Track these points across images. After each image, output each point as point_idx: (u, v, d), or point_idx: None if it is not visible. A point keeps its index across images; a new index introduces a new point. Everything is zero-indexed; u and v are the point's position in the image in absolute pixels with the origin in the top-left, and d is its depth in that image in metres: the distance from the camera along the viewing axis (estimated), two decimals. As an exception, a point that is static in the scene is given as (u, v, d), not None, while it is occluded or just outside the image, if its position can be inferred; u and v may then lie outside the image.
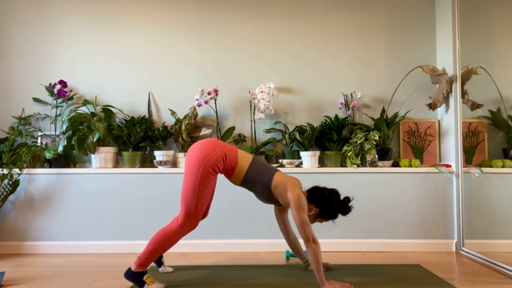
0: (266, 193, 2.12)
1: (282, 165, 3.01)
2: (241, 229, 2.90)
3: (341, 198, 2.19)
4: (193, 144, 2.22)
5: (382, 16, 3.29)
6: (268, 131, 3.20)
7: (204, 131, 3.07)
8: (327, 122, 3.11)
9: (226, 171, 2.11)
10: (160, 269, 2.38)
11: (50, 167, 3.00)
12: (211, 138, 2.13)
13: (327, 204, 2.13)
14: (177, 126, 3.10)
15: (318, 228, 2.91)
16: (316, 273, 1.99)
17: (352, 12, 3.29)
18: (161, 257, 2.38)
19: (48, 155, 2.90)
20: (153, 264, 2.56)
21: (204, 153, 2.01)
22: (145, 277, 2.02)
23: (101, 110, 3.09)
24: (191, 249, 2.90)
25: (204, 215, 2.30)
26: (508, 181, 2.77)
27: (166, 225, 2.04)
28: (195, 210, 1.99)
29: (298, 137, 3.01)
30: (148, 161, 3.21)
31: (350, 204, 2.17)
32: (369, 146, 2.90)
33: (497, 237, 2.73)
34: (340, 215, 2.17)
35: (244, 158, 2.13)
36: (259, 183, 2.11)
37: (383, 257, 2.74)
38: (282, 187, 2.07)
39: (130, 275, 2.02)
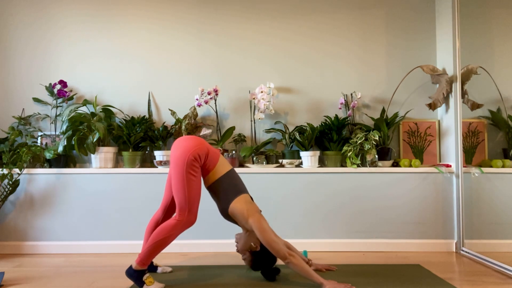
0: (223, 211, 2.14)
1: (282, 165, 3.02)
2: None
3: (273, 266, 2.21)
4: (176, 139, 2.21)
5: (382, 16, 3.29)
6: (268, 131, 3.20)
7: (204, 131, 3.07)
8: (327, 122, 3.11)
9: (203, 169, 2.13)
10: (159, 270, 2.37)
11: (50, 167, 3.00)
12: (195, 135, 2.16)
13: (264, 259, 2.16)
14: (177, 126, 3.10)
15: (318, 228, 2.91)
16: (310, 279, 1.99)
17: (352, 12, 3.29)
18: (152, 262, 2.38)
19: (48, 155, 2.90)
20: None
21: (190, 145, 2.06)
22: (144, 277, 2.03)
23: (101, 110, 3.09)
24: (191, 249, 2.90)
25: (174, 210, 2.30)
26: (508, 181, 2.77)
27: (166, 221, 2.06)
28: (189, 204, 2.01)
29: (298, 137, 3.01)
30: (148, 161, 3.21)
31: (273, 274, 2.19)
32: (369, 146, 2.90)
33: (497, 237, 2.73)
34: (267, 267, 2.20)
35: (223, 165, 2.17)
36: (222, 196, 2.12)
37: (383, 257, 2.74)
38: (240, 215, 2.08)
39: (131, 273, 2.03)
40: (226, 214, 2.14)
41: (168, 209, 2.27)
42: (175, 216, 2.04)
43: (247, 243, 2.16)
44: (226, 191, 2.12)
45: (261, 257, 2.16)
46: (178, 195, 2.02)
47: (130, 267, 2.04)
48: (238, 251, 2.22)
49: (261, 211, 2.17)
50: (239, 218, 2.09)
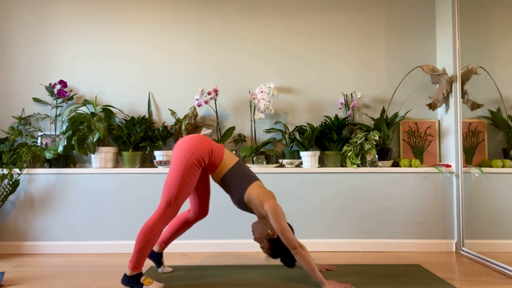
0: (239, 200, 2.13)
1: (282, 165, 3.02)
2: (241, 229, 2.90)
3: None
4: (179, 140, 2.22)
5: (382, 16, 3.29)
6: (268, 131, 3.20)
7: (204, 131, 3.07)
8: (327, 122, 3.11)
9: (210, 166, 2.12)
10: (160, 269, 2.37)
11: (50, 167, 3.00)
12: (199, 134, 2.15)
13: (282, 246, 2.11)
14: (177, 126, 3.10)
15: (318, 228, 2.91)
16: (313, 275, 1.99)
17: (352, 12, 3.29)
18: (161, 257, 2.38)
19: (48, 155, 2.90)
20: (153, 264, 2.56)
21: (191, 145, 2.04)
22: (142, 279, 2.01)
23: (101, 110, 3.09)
24: (191, 249, 2.90)
25: (203, 214, 2.32)
26: (508, 181, 2.77)
27: (146, 221, 2.03)
28: (176, 200, 2.00)
29: (298, 137, 3.01)
30: (148, 161, 3.21)
31: (292, 261, 2.15)
32: (369, 146, 2.90)
33: (497, 237, 2.73)
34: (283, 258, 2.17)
35: (230, 158, 2.16)
36: (235, 187, 2.11)
37: (383, 257, 2.74)
38: (256, 199, 2.06)
39: (127, 280, 2.01)
40: (242, 202, 2.11)
41: (199, 213, 2.30)
42: (155, 212, 2.01)
43: (264, 230, 2.13)
44: (239, 181, 2.11)
45: (280, 243, 2.11)
46: (169, 190, 2.00)
47: (125, 275, 2.02)
48: (255, 239, 2.18)
49: (276, 197, 2.15)
50: (255, 203, 2.06)
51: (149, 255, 2.36)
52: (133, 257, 2.00)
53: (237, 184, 2.11)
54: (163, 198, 2.01)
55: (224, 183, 2.15)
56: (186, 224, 2.33)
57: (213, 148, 2.10)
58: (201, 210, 2.31)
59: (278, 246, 2.12)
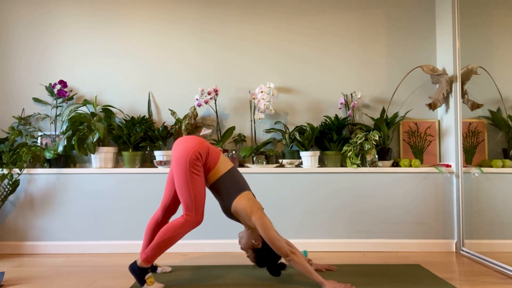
0: (226, 209, 2.14)
1: (282, 165, 3.02)
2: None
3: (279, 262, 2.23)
4: (176, 140, 2.21)
5: (382, 16, 3.29)
6: (268, 131, 3.20)
7: (204, 131, 3.07)
8: (327, 122, 3.11)
9: (205, 168, 2.12)
10: (159, 270, 2.38)
11: (50, 167, 3.00)
12: (196, 136, 2.17)
13: (266, 255, 2.17)
14: (177, 126, 3.10)
15: (318, 228, 2.91)
16: (311, 277, 2.00)
17: (352, 12, 3.29)
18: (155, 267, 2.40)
19: (48, 155, 2.90)
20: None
21: (190, 145, 2.07)
22: (146, 276, 2.02)
23: (101, 110, 3.09)
24: (191, 249, 2.90)
25: (173, 210, 2.29)
26: (508, 181, 2.77)
27: (173, 220, 2.06)
28: (195, 203, 2.02)
29: (298, 137, 3.01)
30: (148, 161, 3.21)
31: (278, 270, 2.21)
32: (369, 146, 2.90)
33: (497, 237, 2.73)
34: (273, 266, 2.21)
35: (224, 164, 2.17)
36: (224, 195, 2.12)
37: (383, 257, 2.74)
38: (243, 212, 2.07)
39: (134, 269, 2.03)
40: (229, 212, 2.14)
41: (168, 209, 2.27)
42: (182, 215, 2.04)
43: (249, 240, 2.17)
44: (228, 189, 2.12)
45: (264, 253, 2.16)
46: (184, 195, 2.02)
47: (135, 262, 2.04)
48: (242, 248, 2.23)
49: (263, 208, 2.18)
50: (242, 215, 2.09)
51: None
52: (149, 250, 2.01)
53: (226, 192, 2.12)
54: (183, 205, 2.04)
55: (214, 188, 2.16)
56: (157, 225, 2.28)
57: (210, 150, 2.13)
58: (172, 205, 2.26)
59: (263, 255, 2.17)
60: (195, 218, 2.03)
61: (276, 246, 2.01)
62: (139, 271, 2.02)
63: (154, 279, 2.11)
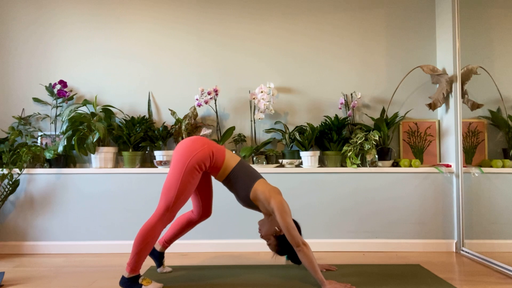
0: (245, 198, 2.12)
1: (282, 165, 3.02)
2: (241, 229, 2.90)
3: None
4: (181, 140, 2.22)
5: (382, 16, 3.29)
6: (268, 131, 3.20)
7: (204, 131, 3.07)
8: (327, 122, 3.11)
9: (212, 169, 2.12)
10: (159, 270, 2.37)
11: (50, 167, 3.00)
12: (200, 136, 2.15)
13: (289, 243, 2.11)
14: (177, 126, 3.10)
15: (318, 228, 2.91)
16: (314, 274, 1.99)
17: (352, 12, 3.29)
18: (163, 257, 2.38)
19: (48, 155, 2.90)
20: (152, 264, 2.56)
21: (192, 149, 2.03)
22: (140, 280, 2.01)
23: (101, 110, 3.09)
24: (191, 249, 2.90)
25: (207, 214, 2.32)
26: (508, 181, 2.77)
27: (145, 223, 2.02)
28: (174, 205, 1.99)
29: (298, 137, 3.01)
30: (148, 161, 3.21)
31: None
32: (369, 146, 2.90)
33: (497, 237, 2.73)
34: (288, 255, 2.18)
35: (231, 158, 2.15)
36: (240, 185, 2.11)
37: (383, 257, 2.74)
38: (262, 196, 2.06)
39: (125, 282, 2.00)
40: (248, 200, 2.11)
41: (203, 215, 2.31)
42: (154, 215, 2.00)
43: (271, 227, 2.12)
44: (244, 179, 2.10)
45: (287, 240, 2.10)
46: (167, 195, 1.99)
47: (123, 277, 2.00)
48: (262, 236, 2.18)
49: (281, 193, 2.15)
50: (261, 199, 2.06)
51: (151, 253, 2.36)
52: (131, 260, 1.99)
53: (242, 183, 2.10)
54: (162, 202, 2.00)
55: (228, 182, 2.15)
56: (189, 224, 2.33)
57: (214, 150, 2.09)
58: (204, 211, 2.31)
59: (285, 243, 2.11)
60: (167, 217, 2.00)
61: (291, 233, 1.98)
62: (130, 282, 1.99)
63: (150, 279, 2.10)
